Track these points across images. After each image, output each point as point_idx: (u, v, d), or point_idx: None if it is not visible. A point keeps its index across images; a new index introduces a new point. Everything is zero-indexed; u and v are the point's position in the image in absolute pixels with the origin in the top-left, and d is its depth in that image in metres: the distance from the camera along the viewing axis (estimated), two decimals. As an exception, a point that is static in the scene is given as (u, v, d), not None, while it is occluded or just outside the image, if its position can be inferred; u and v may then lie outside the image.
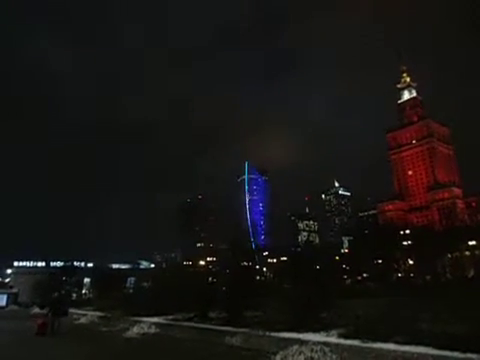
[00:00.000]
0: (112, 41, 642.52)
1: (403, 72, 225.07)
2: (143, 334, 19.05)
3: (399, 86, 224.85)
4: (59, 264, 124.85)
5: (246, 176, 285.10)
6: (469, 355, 8.27)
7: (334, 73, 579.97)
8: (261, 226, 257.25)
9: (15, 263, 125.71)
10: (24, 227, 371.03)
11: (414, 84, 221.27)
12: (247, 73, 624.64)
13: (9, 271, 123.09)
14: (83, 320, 28.70)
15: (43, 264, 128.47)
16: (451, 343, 8.87)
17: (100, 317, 28.49)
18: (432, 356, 8.80)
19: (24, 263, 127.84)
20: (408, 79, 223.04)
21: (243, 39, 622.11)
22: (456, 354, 8.50)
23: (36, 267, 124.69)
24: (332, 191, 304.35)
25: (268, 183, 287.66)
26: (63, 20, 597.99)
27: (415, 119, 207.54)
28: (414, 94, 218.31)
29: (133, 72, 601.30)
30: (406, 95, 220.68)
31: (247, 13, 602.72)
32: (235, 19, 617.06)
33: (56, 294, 26.61)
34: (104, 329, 23.03)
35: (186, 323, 18.74)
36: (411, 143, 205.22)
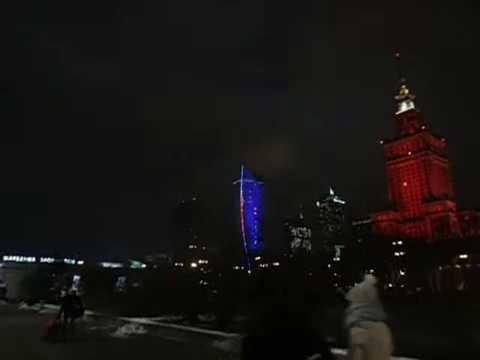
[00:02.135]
0: (111, 41, 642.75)
1: (402, 84, 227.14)
2: (131, 334, 18.90)
3: (397, 98, 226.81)
4: (49, 260, 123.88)
5: (241, 180, 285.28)
6: (456, 369, 8.31)
7: (334, 82, 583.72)
8: (254, 231, 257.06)
9: (5, 258, 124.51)
10: (15, 222, 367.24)
11: (412, 96, 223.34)
12: (247, 80, 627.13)
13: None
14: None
15: (33, 260, 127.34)
16: (439, 355, 8.90)
17: (88, 315, 28.23)
18: (419, 368, 8.82)
19: (14, 258, 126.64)
20: (406, 91, 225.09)
21: (243, 44, 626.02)
22: (443, 367, 8.53)
23: (26, 262, 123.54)
24: (327, 199, 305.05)
25: (263, 188, 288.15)
26: (64, 20, 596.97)
27: (412, 131, 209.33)
28: (412, 106, 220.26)
29: (133, 73, 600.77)
30: (404, 107, 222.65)
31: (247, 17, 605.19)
32: (235, 23, 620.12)
33: (71, 290, 21.14)
34: (92, 328, 22.81)
35: (175, 325, 18.62)
36: (407, 155, 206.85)
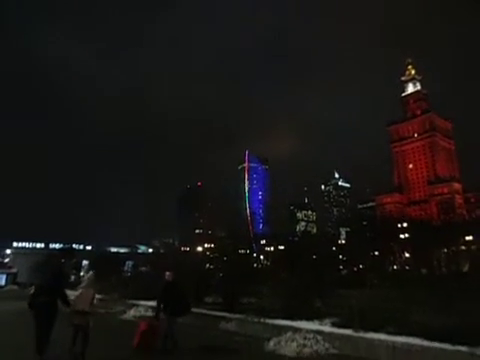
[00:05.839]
0: (115, 40, 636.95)
1: (408, 64, 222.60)
2: (140, 317, 19.34)
3: (403, 79, 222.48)
4: (58, 246, 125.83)
5: (246, 164, 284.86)
6: (459, 347, 8.45)
7: (334, 64, 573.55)
8: (260, 214, 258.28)
9: (14, 244, 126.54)
10: (24, 208, 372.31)
11: (419, 77, 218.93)
12: (246, 66, 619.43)
13: (8, 251, 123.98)
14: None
15: (42, 245, 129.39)
16: (442, 335, 9.04)
17: (98, 299, 28.84)
18: (422, 347, 8.99)
19: (23, 244, 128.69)
20: (413, 72, 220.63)
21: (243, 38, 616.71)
22: (446, 346, 8.68)
23: (35, 248, 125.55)
24: (332, 182, 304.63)
25: (268, 172, 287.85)
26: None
27: (418, 113, 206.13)
28: (418, 87, 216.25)
29: (136, 68, 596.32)
30: (410, 88, 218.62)
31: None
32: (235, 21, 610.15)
33: (168, 274, 12.12)
34: (102, 311, 23.35)
35: (182, 307, 18.95)
36: (413, 137, 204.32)
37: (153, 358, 10.83)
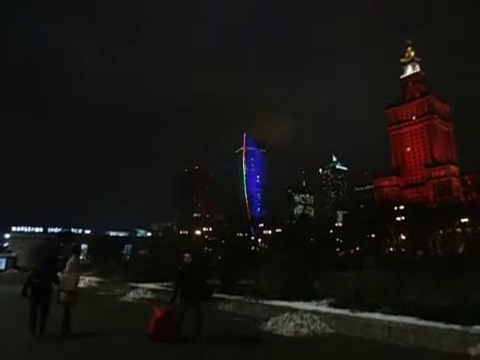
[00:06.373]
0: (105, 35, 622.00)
1: (408, 46, 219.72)
2: (140, 299, 19.62)
3: (402, 60, 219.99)
4: (57, 230, 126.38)
5: (244, 148, 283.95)
6: (452, 326, 8.64)
7: (334, 49, 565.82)
8: (257, 198, 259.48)
9: (13, 228, 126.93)
10: (23, 193, 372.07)
11: (418, 59, 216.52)
12: (248, 57, 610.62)
13: (7, 236, 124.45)
14: (81, 284, 29.35)
15: (41, 230, 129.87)
16: (436, 314, 9.23)
17: (98, 282, 29.19)
18: (417, 326, 9.18)
19: (22, 228, 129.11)
20: (412, 53, 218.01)
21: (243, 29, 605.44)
22: (440, 324, 8.87)
23: (34, 233, 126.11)
24: (329, 165, 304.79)
25: (266, 156, 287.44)
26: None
27: (417, 95, 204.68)
28: (418, 69, 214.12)
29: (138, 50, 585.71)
30: (409, 70, 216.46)
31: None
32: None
33: (186, 256, 10.64)
34: (102, 293, 23.66)
35: (181, 290, 19.20)
36: (411, 119, 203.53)
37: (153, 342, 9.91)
